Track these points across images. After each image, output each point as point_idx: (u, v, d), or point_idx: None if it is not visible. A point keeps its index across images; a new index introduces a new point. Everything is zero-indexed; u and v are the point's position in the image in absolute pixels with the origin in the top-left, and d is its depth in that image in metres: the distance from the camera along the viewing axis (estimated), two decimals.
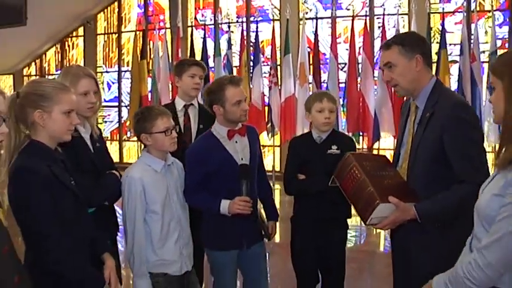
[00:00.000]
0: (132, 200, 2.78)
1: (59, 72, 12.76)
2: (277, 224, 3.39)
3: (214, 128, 3.08)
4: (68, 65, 12.84)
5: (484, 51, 8.65)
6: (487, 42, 8.85)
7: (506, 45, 8.64)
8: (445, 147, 2.35)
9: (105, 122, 12.50)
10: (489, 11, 9.09)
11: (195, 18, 11.41)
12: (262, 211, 3.30)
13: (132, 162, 3.13)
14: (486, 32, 9.26)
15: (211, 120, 3.16)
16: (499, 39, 8.82)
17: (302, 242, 3.31)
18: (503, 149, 1.70)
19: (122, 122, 12.17)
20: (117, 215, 3.04)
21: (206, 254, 3.17)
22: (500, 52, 8.42)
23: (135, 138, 11.24)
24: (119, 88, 12.22)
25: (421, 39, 2.59)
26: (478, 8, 9.12)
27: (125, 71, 11.93)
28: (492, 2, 9.24)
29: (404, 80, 2.50)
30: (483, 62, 8.43)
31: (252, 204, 2.98)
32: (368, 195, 2.39)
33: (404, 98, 3.26)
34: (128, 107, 10.80)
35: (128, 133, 11.58)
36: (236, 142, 3.06)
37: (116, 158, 11.95)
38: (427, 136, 2.41)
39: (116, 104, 12.29)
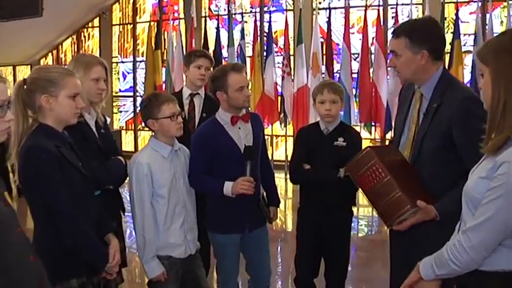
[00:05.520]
0: (140, 184, 2.86)
1: None
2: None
3: (218, 114, 3.15)
4: None
5: None
6: None
7: None
8: (454, 140, 2.37)
9: (120, 112, 12.60)
10: (505, 0, 8.94)
11: (209, 8, 11.41)
12: (265, 195, 3.36)
13: None
14: (502, 22, 9.06)
15: (215, 109, 3.23)
16: None
17: (307, 230, 3.35)
18: (493, 135, 1.71)
19: (137, 112, 12.25)
20: (124, 199, 3.12)
21: (209, 237, 3.25)
22: None
23: None
24: (134, 78, 12.28)
25: (432, 32, 2.54)
26: None
27: (140, 61, 11.98)
28: None
29: (406, 70, 2.53)
30: None
31: (255, 186, 3.04)
32: (396, 199, 2.33)
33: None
34: (143, 97, 10.90)
35: (143, 123, 11.65)
36: (240, 128, 3.12)
37: (130, 147, 12.08)
38: (434, 127, 2.43)
39: (131, 94, 12.37)
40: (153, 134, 3.03)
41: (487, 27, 8.38)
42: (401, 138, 2.64)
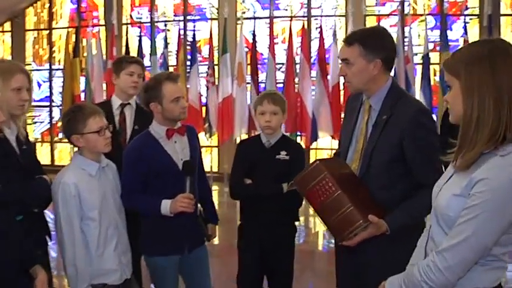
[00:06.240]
0: (67, 207, 2.58)
1: None
2: (217, 226, 3.30)
3: (152, 128, 2.93)
4: None
5: (417, 54, 8.93)
6: (420, 45, 9.12)
7: (438, 48, 8.89)
8: (405, 152, 2.32)
9: (35, 122, 11.93)
10: (422, 15, 9.41)
11: (131, 15, 11.10)
12: (202, 212, 3.18)
13: (64, 165, 2.92)
14: (419, 35, 9.52)
15: (148, 122, 3.02)
16: (431, 42, 9.06)
17: (249, 245, 3.21)
18: (464, 150, 1.63)
19: (53, 122, 11.65)
20: (48, 222, 2.84)
21: (145, 260, 3.02)
22: (432, 55, 8.77)
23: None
24: (50, 87, 11.69)
25: (386, 41, 2.46)
26: (411, 12, 9.34)
27: (57, 70, 11.42)
28: (424, 6, 9.50)
29: (358, 80, 2.43)
30: (416, 64, 8.71)
31: (195, 203, 2.86)
32: (347, 214, 2.23)
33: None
34: (60, 107, 10.40)
35: (60, 134, 11.07)
36: (175, 142, 2.93)
37: (47, 160, 11.45)
38: (384, 139, 2.35)
39: (47, 103, 11.75)
40: (78, 150, 2.76)
41: (406, 39, 8.68)
42: (349, 151, 2.53)
